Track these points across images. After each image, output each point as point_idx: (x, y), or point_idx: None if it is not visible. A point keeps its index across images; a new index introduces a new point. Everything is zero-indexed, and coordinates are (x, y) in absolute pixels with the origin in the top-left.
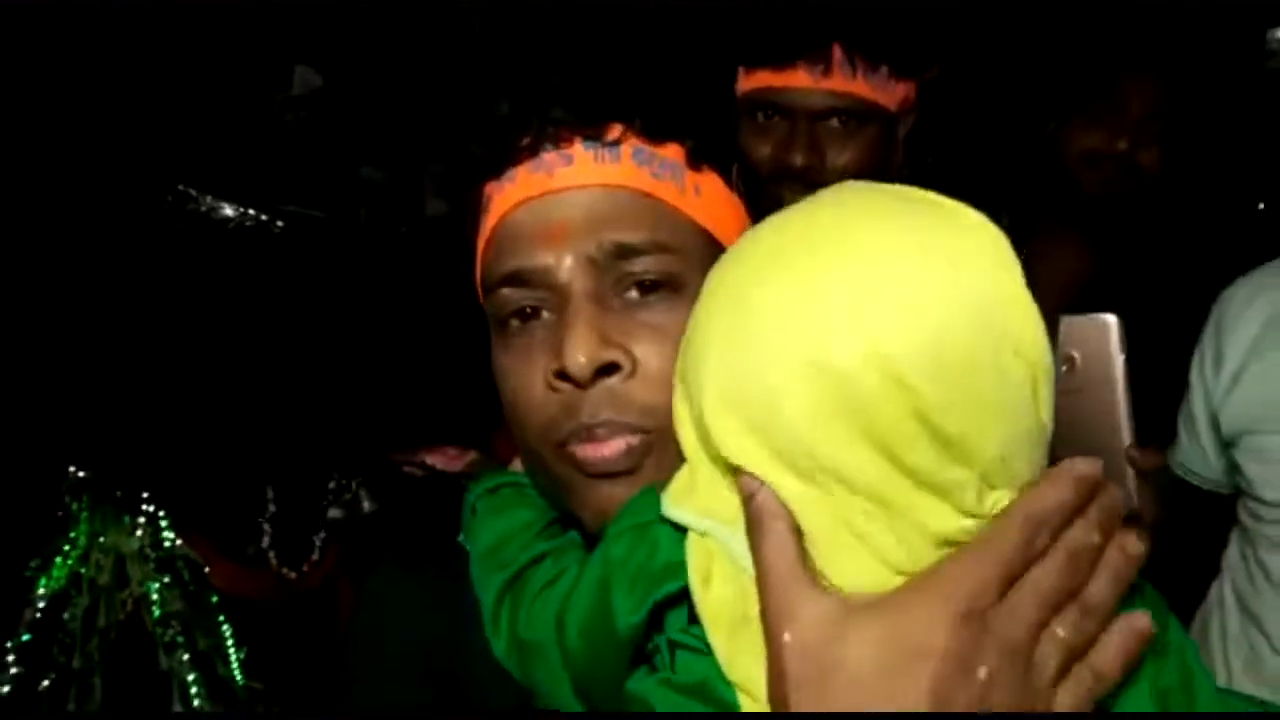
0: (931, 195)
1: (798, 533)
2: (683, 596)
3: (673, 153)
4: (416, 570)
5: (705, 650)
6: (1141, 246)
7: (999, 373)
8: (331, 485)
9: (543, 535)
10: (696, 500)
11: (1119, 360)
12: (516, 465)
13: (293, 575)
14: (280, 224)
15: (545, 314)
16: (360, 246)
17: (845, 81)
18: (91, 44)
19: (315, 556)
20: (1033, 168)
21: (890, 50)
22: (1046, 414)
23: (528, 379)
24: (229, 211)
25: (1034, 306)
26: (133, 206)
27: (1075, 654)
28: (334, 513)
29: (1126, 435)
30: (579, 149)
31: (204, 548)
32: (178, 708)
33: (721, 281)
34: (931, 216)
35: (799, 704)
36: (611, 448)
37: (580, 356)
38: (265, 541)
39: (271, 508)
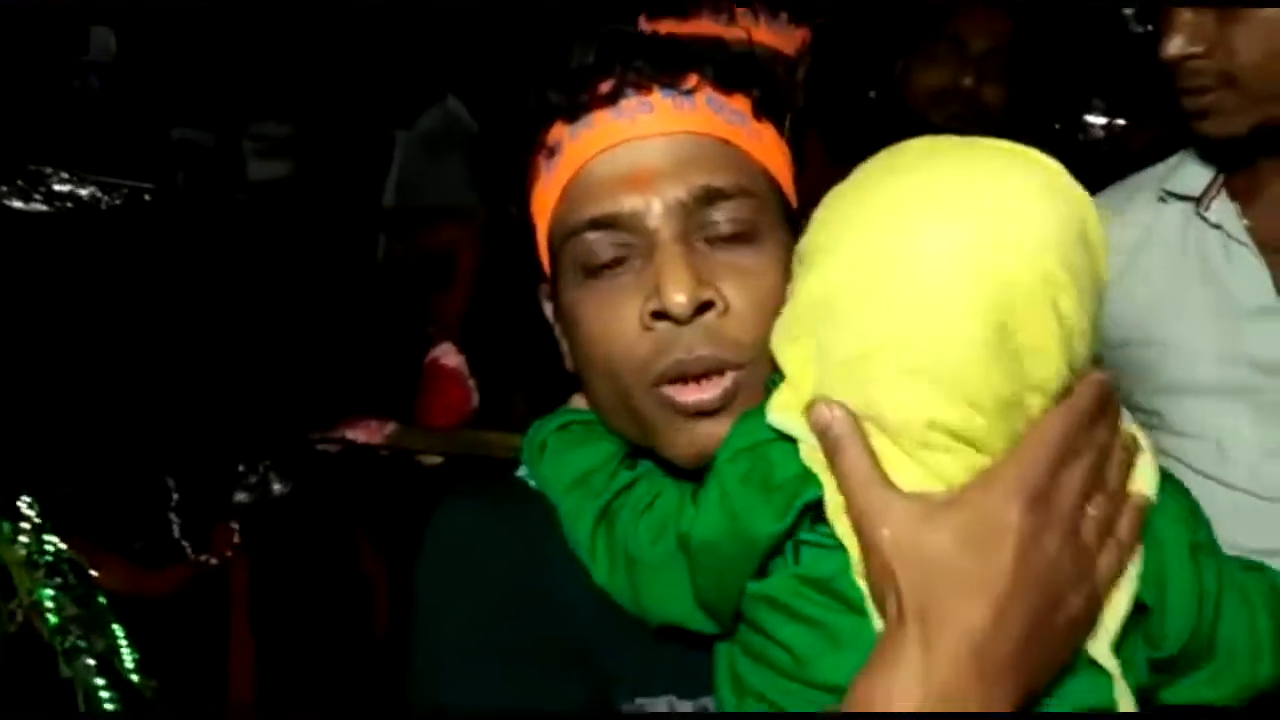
0: (1004, 143)
1: (869, 447)
2: (816, 503)
3: (740, 103)
4: (481, 497)
5: (834, 546)
6: None
7: (1093, 263)
8: (240, 469)
9: (624, 464)
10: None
11: None
12: (578, 402)
13: (214, 563)
14: (114, 199)
15: (630, 258)
16: (207, 217)
17: (748, 28)
18: None
19: (237, 540)
20: (885, 108)
21: None
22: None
23: (618, 320)
24: (83, 192)
25: (1094, 205)
26: None
27: (1103, 529)
28: (241, 497)
29: None
30: (658, 96)
31: (91, 548)
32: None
33: (861, 236)
34: (1022, 160)
35: (908, 589)
36: (710, 390)
37: (680, 296)
38: (176, 532)
39: (175, 497)
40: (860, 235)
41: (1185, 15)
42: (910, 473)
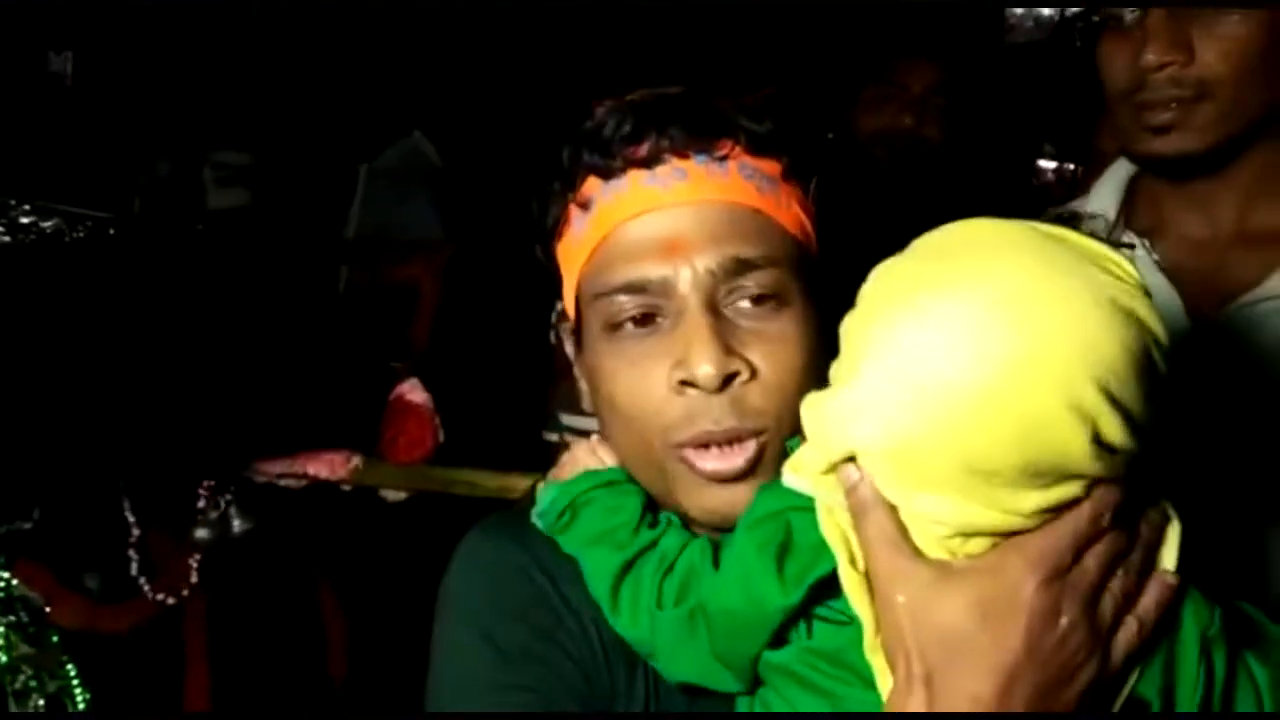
0: (1083, 245)
1: (895, 512)
2: (830, 577)
3: (771, 167)
4: (514, 531)
5: (845, 621)
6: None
7: (1155, 374)
8: (200, 504)
9: (644, 523)
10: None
11: None
12: (580, 455)
13: (172, 601)
14: (79, 229)
15: (659, 320)
16: (170, 245)
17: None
18: None
19: (194, 579)
20: (840, 149)
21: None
22: None
23: (646, 382)
24: (47, 224)
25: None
26: None
27: (1122, 606)
28: (201, 534)
29: None
30: (692, 163)
31: (46, 582)
32: None
33: (896, 339)
34: (1087, 268)
35: (917, 654)
36: (733, 458)
37: (709, 368)
38: (134, 569)
39: (135, 532)
40: (895, 338)
41: (1162, 22)
42: (935, 543)
